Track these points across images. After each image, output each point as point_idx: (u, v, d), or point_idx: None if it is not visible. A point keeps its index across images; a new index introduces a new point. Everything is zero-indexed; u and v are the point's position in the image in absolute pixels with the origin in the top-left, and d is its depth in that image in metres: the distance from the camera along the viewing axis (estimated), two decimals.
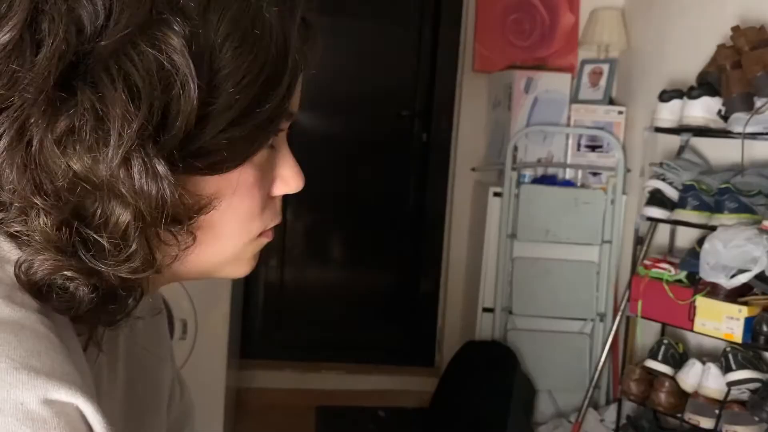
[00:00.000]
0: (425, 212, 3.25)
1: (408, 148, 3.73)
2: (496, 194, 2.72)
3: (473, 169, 2.96)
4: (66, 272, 0.41)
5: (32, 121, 0.39)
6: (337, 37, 3.25)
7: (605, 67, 2.86)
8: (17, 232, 0.41)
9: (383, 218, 3.59)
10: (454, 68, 3.05)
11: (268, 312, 3.14)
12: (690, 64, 2.25)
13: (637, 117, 2.71)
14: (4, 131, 0.39)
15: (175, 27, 0.40)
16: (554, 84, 2.78)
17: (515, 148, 2.73)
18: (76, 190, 0.40)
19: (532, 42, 2.98)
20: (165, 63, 0.40)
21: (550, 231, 2.68)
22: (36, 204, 0.40)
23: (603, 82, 2.85)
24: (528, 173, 2.74)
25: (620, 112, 2.75)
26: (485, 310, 2.78)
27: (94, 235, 0.41)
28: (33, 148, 0.40)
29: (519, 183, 2.70)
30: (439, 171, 3.17)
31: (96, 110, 0.39)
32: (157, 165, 0.41)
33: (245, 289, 2.94)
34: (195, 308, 2.25)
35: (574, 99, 2.83)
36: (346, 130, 3.43)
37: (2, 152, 0.40)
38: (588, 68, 2.89)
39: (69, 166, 0.40)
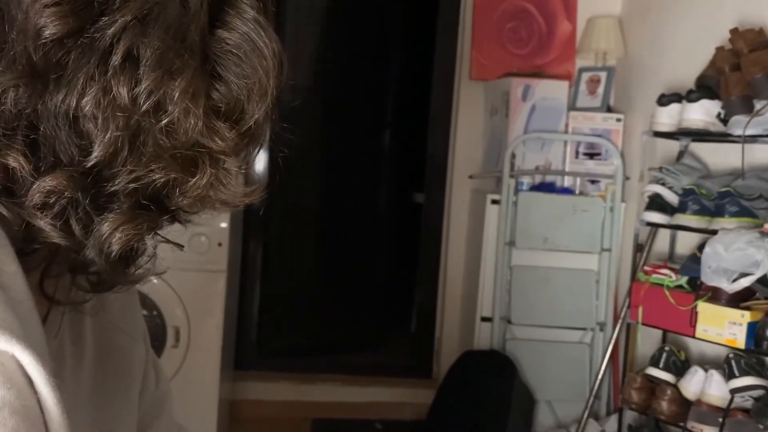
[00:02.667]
0: (422, 221, 3.22)
1: (405, 159, 3.71)
2: (494, 202, 2.70)
3: (471, 177, 2.94)
4: (67, 192, 0.39)
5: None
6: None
7: (603, 75, 2.85)
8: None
9: (379, 229, 3.57)
10: (450, 76, 3.04)
11: (263, 323, 3.09)
12: (688, 70, 2.24)
13: (636, 124, 2.70)
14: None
15: None
16: (552, 91, 2.77)
17: (513, 156, 2.71)
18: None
19: (530, 50, 2.97)
20: None
21: (549, 239, 2.65)
22: None
23: (601, 89, 2.84)
24: (526, 181, 2.72)
25: (618, 120, 2.74)
26: (483, 319, 2.74)
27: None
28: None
29: (517, 190, 2.68)
30: (437, 179, 3.14)
31: None
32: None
33: (240, 299, 2.90)
34: (188, 316, 2.22)
35: (572, 106, 2.82)
36: (337, 140, 3.42)
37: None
38: (585, 76, 2.88)
39: None
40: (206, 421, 2.31)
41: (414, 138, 3.45)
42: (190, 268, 2.19)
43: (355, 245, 3.45)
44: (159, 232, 0.44)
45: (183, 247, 0.47)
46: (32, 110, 0.38)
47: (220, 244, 2.20)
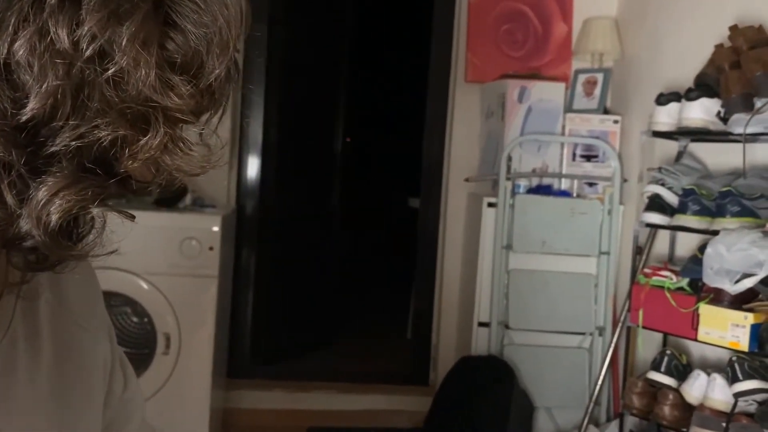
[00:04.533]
0: (418, 226, 3.18)
1: (401, 163, 3.68)
2: (491, 205, 2.66)
3: (467, 180, 2.90)
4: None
5: None
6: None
7: (599, 77, 2.82)
8: None
9: (375, 234, 3.52)
10: (446, 79, 3.01)
11: (256, 330, 3.04)
12: (686, 70, 2.21)
13: (633, 126, 2.67)
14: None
15: None
16: (548, 93, 2.74)
17: (509, 158, 2.67)
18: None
19: (525, 52, 2.94)
20: None
21: (546, 242, 2.61)
22: None
23: (597, 91, 2.81)
24: (523, 183, 2.68)
25: (616, 121, 2.70)
26: (481, 324, 2.70)
27: None
28: None
29: (514, 193, 2.64)
30: (432, 183, 3.10)
31: None
32: None
33: (233, 306, 2.85)
34: (179, 323, 2.17)
35: (569, 108, 2.79)
36: (331, 144, 3.38)
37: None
38: (582, 78, 2.85)
39: None
40: (198, 430, 2.26)
41: (410, 142, 3.42)
42: (181, 273, 2.14)
43: (350, 251, 3.40)
44: (108, 201, 0.39)
45: (134, 217, 0.42)
46: None
47: (211, 249, 2.16)
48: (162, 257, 2.11)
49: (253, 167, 2.98)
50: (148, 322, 2.15)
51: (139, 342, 2.26)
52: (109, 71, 0.35)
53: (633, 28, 2.78)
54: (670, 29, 2.51)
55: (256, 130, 2.98)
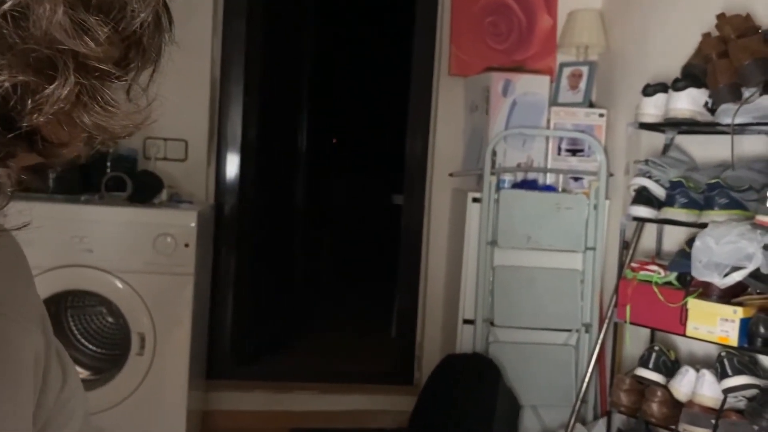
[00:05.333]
0: (402, 223, 3.12)
1: (385, 159, 3.62)
2: (475, 200, 2.61)
3: (451, 174, 2.85)
4: None
5: None
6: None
7: (585, 70, 2.78)
8: None
9: (358, 231, 3.46)
10: (429, 72, 2.95)
11: (236, 330, 2.97)
12: (672, 62, 2.17)
13: (619, 119, 2.63)
14: None
15: None
16: (533, 87, 2.69)
17: (494, 153, 2.62)
18: None
19: (510, 45, 2.90)
20: None
21: (532, 237, 2.56)
22: None
23: (583, 84, 2.77)
24: (507, 178, 2.63)
25: (601, 115, 2.66)
26: (466, 321, 2.65)
27: None
28: None
29: (498, 188, 2.59)
30: (416, 180, 3.05)
31: None
32: None
33: (212, 305, 2.78)
34: (154, 322, 2.09)
35: (554, 102, 2.75)
36: (312, 143, 3.32)
37: None
38: (567, 71, 2.81)
39: None
40: None
41: (395, 138, 3.37)
42: (156, 270, 2.07)
43: (332, 249, 3.34)
44: (9, 162, 0.33)
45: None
46: None
47: (187, 245, 2.08)
48: (136, 255, 2.04)
49: (232, 164, 2.91)
50: (122, 322, 2.08)
51: (113, 342, 2.19)
52: (6, 4, 0.29)
53: (618, 21, 2.74)
54: (656, 21, 2.47)
55: (235, 127, 2.91)
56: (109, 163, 2.42)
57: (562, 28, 2.87)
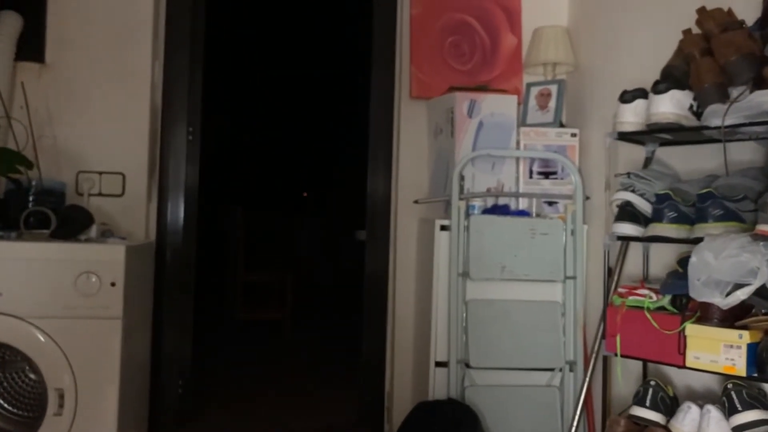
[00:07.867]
0: (365, 261, 2.87)
1: (347, 193, 3.40)
2: (444, 228, 2.39)
3: (416, 202, 2.63)
4: None
5: None
6: None
7: (553, 89, 2.62)
8: None
9: (321, 273, 3.21)
10: (390, 96, 2.77)
11: (184, 382, 2.65)
12: (646, 74, 2.00)
13: (592, 138, 2.46)
14: None
15: None
16: (500, 106, 2.51)
17: (462, 177, 2.42)
18: None
19: (473, 66, 2.74)
20: None
21: (506, 267, 2.34)
22: None
23: (552, 103, 2.60)
24: (477, 204, 2.42)
25: (573, 135, 2.49)
26: (438, 364, 2.39)
27: None
28: None
29: (468, 214, 2.38)
30: (378, 213, 2.82)
31: None
32: None
33: (154, 354, 2.47)
34: (75, 376, 1.79)
35: (523, 123, 2.57)
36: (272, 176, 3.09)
37: None
38: (535, 90, 2.65)
39: None
40: None
41: (355, 170, 3.15)
42: (78, 315, 1.79)
43: (293, 291, 3.08)
44: None
45: None
46: None
47: (113, 284, 1.81)
48: (54, 297, 1.76)
49: (175, 199, 2.65)
50: (36, 378, 1.78)
51: (27, 403, 1.88)
52: None
53: (586, 36, 2.61)
54: (626, 32, 2.33)
55: (179, 159, 2.67)
56: (31, 197, 2.15)
57: (527, 47, 2.72)
